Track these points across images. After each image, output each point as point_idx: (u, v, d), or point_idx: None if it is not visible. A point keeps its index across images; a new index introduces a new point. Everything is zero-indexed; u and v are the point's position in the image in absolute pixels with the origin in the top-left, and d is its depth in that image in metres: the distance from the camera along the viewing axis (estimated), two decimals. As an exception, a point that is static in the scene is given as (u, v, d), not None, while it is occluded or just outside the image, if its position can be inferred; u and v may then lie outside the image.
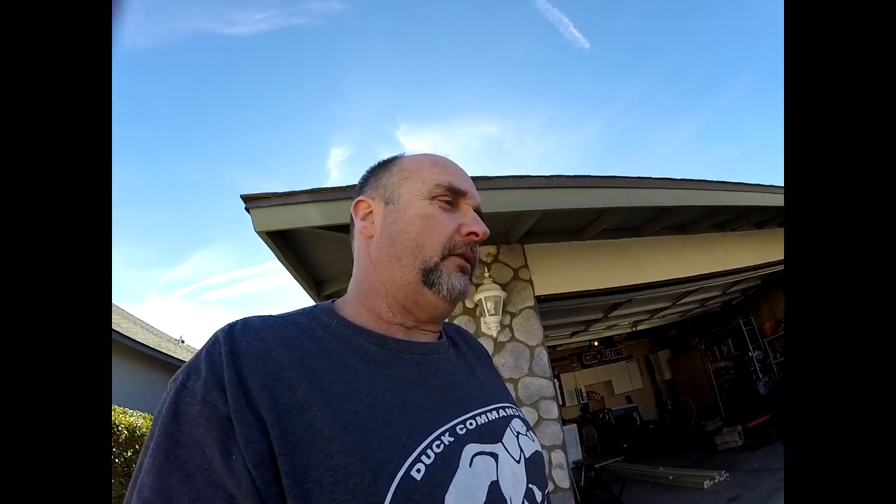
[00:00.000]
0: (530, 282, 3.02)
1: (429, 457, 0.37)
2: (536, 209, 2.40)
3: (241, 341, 0.40)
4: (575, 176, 2.47)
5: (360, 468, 0.34)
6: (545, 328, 2.97)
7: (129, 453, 5.19)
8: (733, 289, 6.02)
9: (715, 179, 3.23)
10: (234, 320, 0.43)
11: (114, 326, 8.08)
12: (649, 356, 9.11)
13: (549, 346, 2.93)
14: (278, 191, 2.44)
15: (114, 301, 11.05)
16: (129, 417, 5.46)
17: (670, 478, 4.79)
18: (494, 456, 0.42)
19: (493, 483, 0.40)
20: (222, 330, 0.41)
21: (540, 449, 0.50)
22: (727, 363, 7.29)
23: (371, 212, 0.52)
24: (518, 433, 0.48)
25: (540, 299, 3.04)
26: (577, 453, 4.16)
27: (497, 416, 0.47)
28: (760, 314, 6.67)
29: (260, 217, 2.44)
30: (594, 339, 8.26)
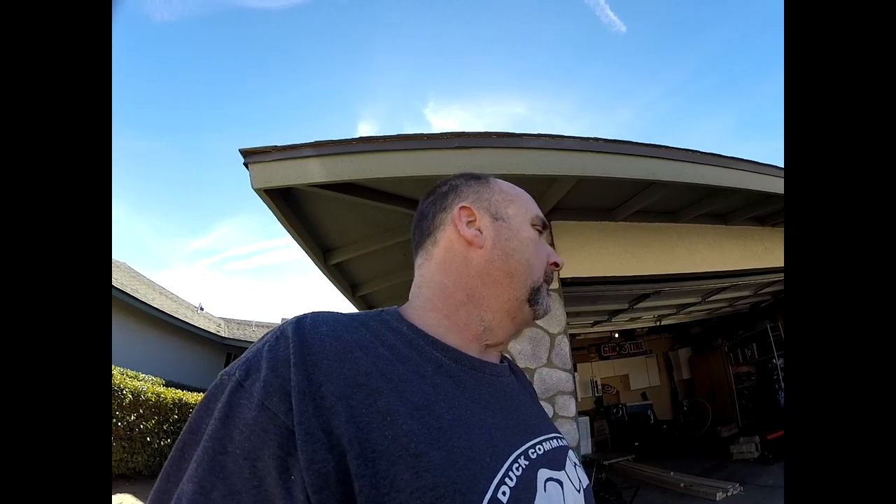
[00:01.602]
0: (555, 263, 2.73)
1: (511, 479, 0.36)
2: (570, 175, 2.10)
3: (312, 338, 0.36)
4: (616, 140, 2.15)
5: (450, 489, 0.32)
6: (567, 315, 2.69)
7: (132, 417, 5.20)
8: (765, 290, 5.68)
9: (769, 163, 2.88)
10: (302, 314, 0.40)
11: (131, 292, 8.24)
12: (669, 353, 8.83)
13: (568, 334, 2.66)
14: (280, 144, 2.21)
15: (135, 268, 11.32)
16: (135, 382, 5.47)
17: (682, 485, 4.61)
18: (560, 483, 0.42)
19: None
20: (289, 323, 0.38)
21: (589, 484, 0.49)
22: (749, 368, 7.04)
23: (474, 220, 0.52)
24: (575, 464, 0.48)
25: (565, 282, 2.77)
26: (587, 447, 3.96)
27: (557, 445, 0.47)
28: (790, 320, 6.28)
29: (258, 173, 2.22)
30: (615, 331, 8.01)
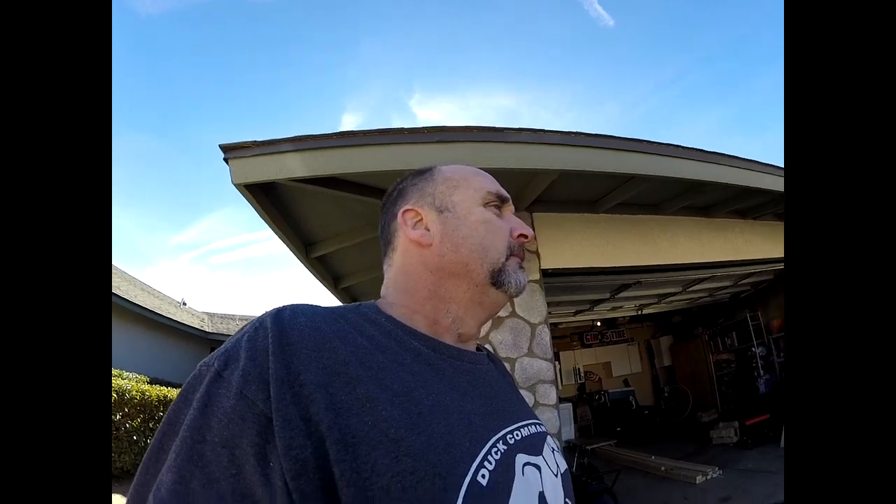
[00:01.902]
0: (537, 253, 2.78)
1: (490, 463, 0.37)
2: (552, 168, 2.12)
3: (291, 329, 0.36)
4: (597, 135, 2.17)
5: (430, 473, 0.32)
6: (548, 304, 2.74)
7: (117, 416, 5.12)
8: (745, 281, 5.84)
9: (750, 158, 2.93)
10: (281, 305, 0.40)
11: (113, 289, 8.02)
12: (651, 341, 9.02)
13: (550, 324, 2.70)
14: (259, 139, 2.18)
15: (116, 264, 11.06)
16: (118, 381, 5.39)
17: (662, 468, 4.72)
18: (538, 467, 0.43)
19: (540, 493, 0.41)
20: (268, 314, 0.38)
21: (566, 469, 0.50)
22: (729, 356, 7.21)
23: (421, 220, 0.52)
24: (553, 449, 0.49)
25: (546, 273, 2.80)
26: (569, 432, 4.05)
27: (536, 431, 0.48)
28: (769, 310, 6.47)
29: (238, 168, 2.20)
30: (597, 320, 8.13)
